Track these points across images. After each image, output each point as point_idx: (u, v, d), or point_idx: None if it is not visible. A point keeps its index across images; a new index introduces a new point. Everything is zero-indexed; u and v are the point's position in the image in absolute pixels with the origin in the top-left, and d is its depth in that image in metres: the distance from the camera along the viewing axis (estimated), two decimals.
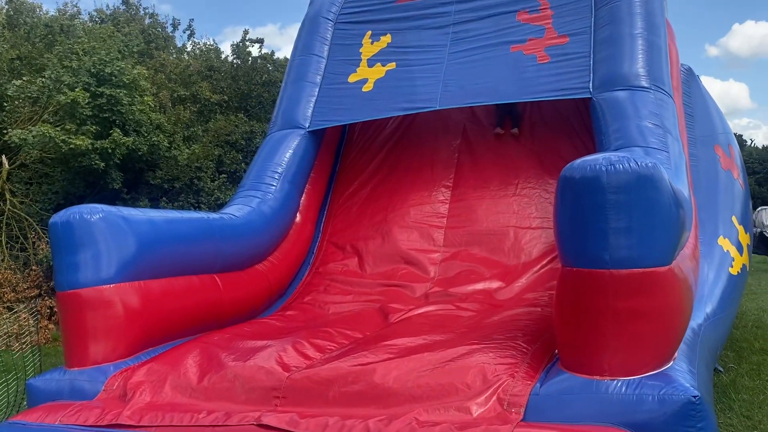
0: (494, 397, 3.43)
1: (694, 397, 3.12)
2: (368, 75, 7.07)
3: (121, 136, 11.08)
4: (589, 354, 3.42)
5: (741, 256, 5.84)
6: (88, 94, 10.70)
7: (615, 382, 3.30)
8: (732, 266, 5.59)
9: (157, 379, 4.07)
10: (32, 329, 5.78)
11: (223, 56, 17.18)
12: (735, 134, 7.61)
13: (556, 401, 3.35)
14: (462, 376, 3.59)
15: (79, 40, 12.03)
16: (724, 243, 5.70)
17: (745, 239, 6.09)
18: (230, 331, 4.95)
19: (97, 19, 16.59)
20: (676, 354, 3.54)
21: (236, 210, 6.05)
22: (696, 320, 4.26)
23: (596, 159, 3.43)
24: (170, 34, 17.57)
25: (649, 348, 3.37)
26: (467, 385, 3.52)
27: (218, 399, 3.83)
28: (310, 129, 6.90)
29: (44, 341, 9.19)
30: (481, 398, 3.43)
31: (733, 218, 6.05)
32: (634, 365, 3.34)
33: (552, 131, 6.86)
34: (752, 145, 51.92)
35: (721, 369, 5.63)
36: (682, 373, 3.38)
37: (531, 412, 3.32)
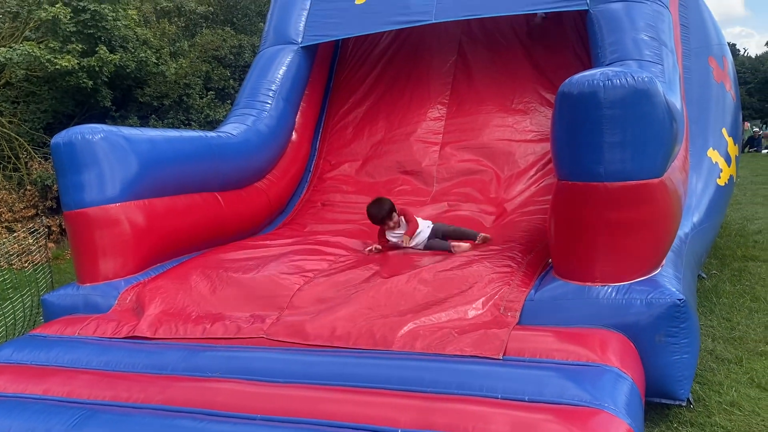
0: (491, 303, 3.64)
1: (679, 300, 3.34)
2: None
3: (107, 53, 10.86)
4: (581, 262, 3.61)
5: (729, 167, 5.98)
6: (69, 10, 10.40)
7: (606, 287, 3.51)
8: (720, 177, 5.73)
9: (169, 293, 4.24)
10: (41, 247, 5.92)
11: None
12: (728, 43, 7.58)
13: (550, 306, 3.56)
14: (461, 286, 3.79)
15: None
16: (713, 155, 5.82)
17: (733, 151, 6.21)
18: (235, 246, 5.11)
19: None
20: (663, 261, 3.74)
21: (232, 128, 6.08)
22: (683, 229, 4.44)
23: (594, 74, 3.48)
24: None
25: (639, 256, 3.56)
26: (466, 294, 3.72)
27: (229, 308, 4.01)
28: (302, 45, 6.82)
29: (45, 259, 9.36)
30: (478, 303, 3.64)
31: (723, 130, 6.14)
32: (624, 272, 3.53)
33: (549, 44, 6.82)
34: (745, 54, 51.35)
35: (705, 275, 5.88)
36: (669, 279, 3.58)
37: (526, 316, 3.53)
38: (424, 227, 4.81)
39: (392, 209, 4.78)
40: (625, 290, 3.46)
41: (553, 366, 3.06)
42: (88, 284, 4.53)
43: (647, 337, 3.35)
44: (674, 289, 3.42)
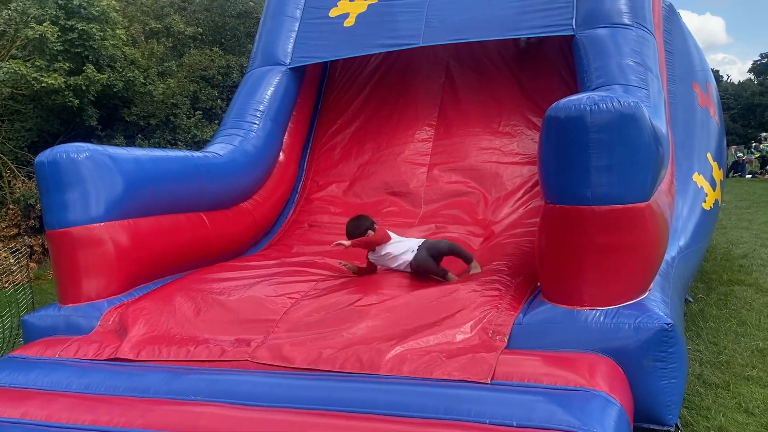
0: (479, 327, 3.61)
1: (667, 324, 3.33)
2: (349, 9, 6.97)
3: (95, 73, 10.84)
4: (569, 286, 3.60)
5: (714, 191, 6.04)
6: (56, 29, 10.38)
7: (594, 311, 3.49)
8: (705, 201, 5.78)
9: (153, 314, 4.18)
10: (23, 267, 5.83)
11: None
12: (711, 70, 7.70)
13: (539, 330, 3.54)
14: (449, 309, 3.76)
15: None
16: (699, 179, 5.87)
17: (718, 175, 6.28)
18: (220, 267, 5.05)
19: None
20: (651, 285, 3.74)
21: (219, 149, 6.05)
22: (670, 253, 4.45)
23: (580, 99, 3.50)
24: None
25: (627, 280, 3.55)
26: (454, 317, 3.69)
27: (215, 331, 3.95)
28: (291, 66, 6.84)
29: (26, 280, 9.21)
30: (466, 327, 3.61)
31: (708, 155, 6.21)
32: (612, 296, 3.52)
33: (535, 68, 6.88)
34: (728, 80, 52.39)
35: (691, 299, 5.89)
36: (657, 303, 3.58)
37: (515, 340, 3.51)
38: (406, 249, 4.48)
39: (369, 228, 4.58)
40: (613, 314, 3.45)
41: (541, 391, 3.03)
42: (70, 305, 4.44)
43: (635, 361, 3.33)
44: (662, 314, 3.41)
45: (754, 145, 28.67)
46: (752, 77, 50.93)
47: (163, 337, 3.97)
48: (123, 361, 3.82)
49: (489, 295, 3.86)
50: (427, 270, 4.40)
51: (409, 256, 4.48)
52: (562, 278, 3.64)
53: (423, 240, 4.63)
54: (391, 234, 4.61)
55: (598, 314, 3.48)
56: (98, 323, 4.28)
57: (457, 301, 3.82)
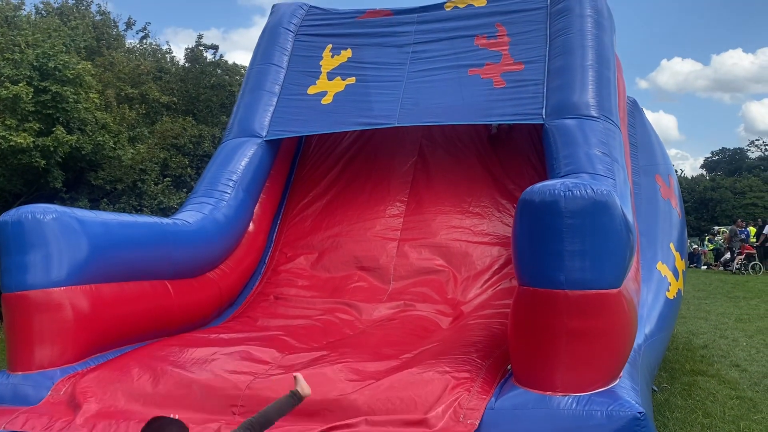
0: (450, 410, 3.52)
1: (640, 413, 3.31)
2: (328, 88, 7.14)
3: (64, 134, 10.74)
4: (542, 370, 3.57)
5: (677, 281, 6.15)
6: (31, 89, 10.35)
7: (566, 398, 3.45)
8: (669, 290, 5.88)
9: (108, 386, 3.99)
10: None
11: (175, 59, 17.00)
12: None
13: (511, 415, 3.48)
14: (419, 391, 3.67)
15: (23, 33, 11.64)
16: (662, 268, 5.99)
17: (680, 265, 6.42)
18: (181, 339, 4.88)
19: (43, 12, 16.07)
20: (622, 372, 3.73)
21: (189, 216, 5.98)
22: (636, 340, 4.46)
23: (554, 184, 3.59)
24: (121, 32, 17.18)
25: (599, 366, 3.55)
26: (424, 400, 3.60)
27: (174, 407, 3.77)
28: (267, 138, 6.90)
29: None
30: (437, 411, 3.51)
31: (671, 245, 6.37)
32: (585, 382, 3.50)
33: (505, 152, 7.07)
34: (681, 175, 54.72)
35: (656, 388, 5.88)
36: (627, 391, 3.56)
37: (486, 426, 3.43)
38: None
39: None
40: (586, 401, 3.41)
41: None
42: (20, 373, 4.22)
43: None
44: (634, 402, 3.39)
45: (707, 237, 29.67)
46: (704, 173, 53.39)
47: (120, 410, 3.77)
48: None
49: (460, 378, 3.79)
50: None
51: None
52: (534, 362, 3.61)
53: None
54: None
55: (570, 401, 3.44)
56: (48, 393, 4.06)
57: (428, 384, 3.73)
